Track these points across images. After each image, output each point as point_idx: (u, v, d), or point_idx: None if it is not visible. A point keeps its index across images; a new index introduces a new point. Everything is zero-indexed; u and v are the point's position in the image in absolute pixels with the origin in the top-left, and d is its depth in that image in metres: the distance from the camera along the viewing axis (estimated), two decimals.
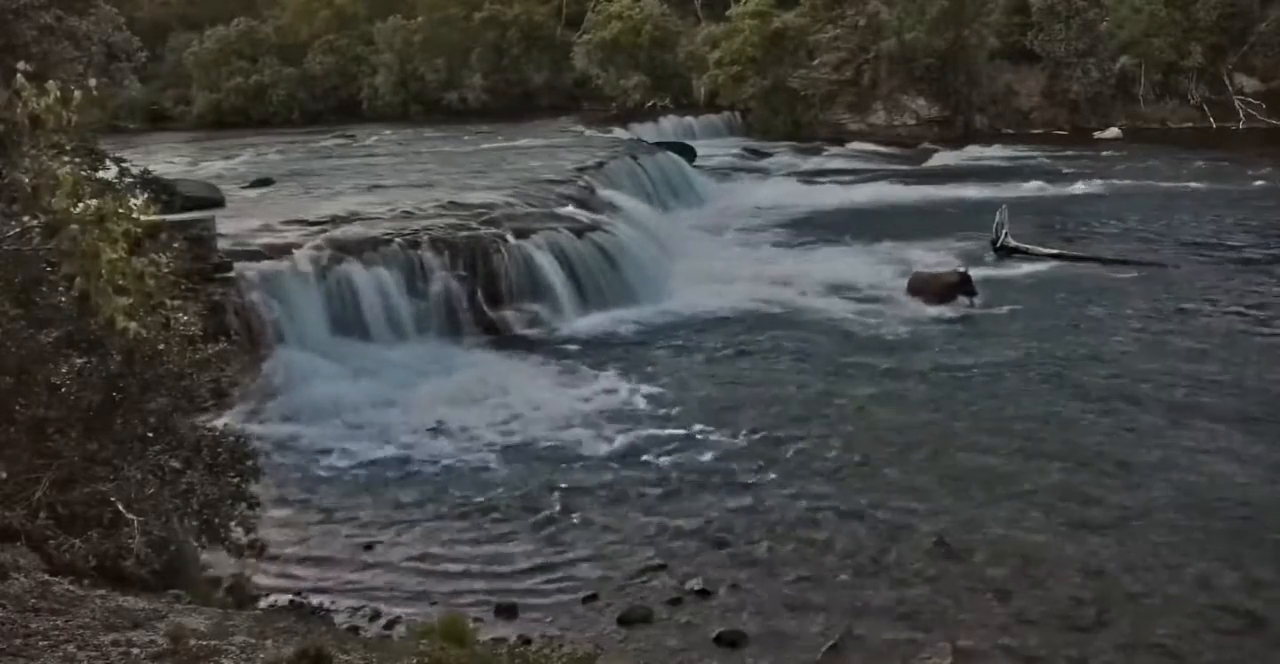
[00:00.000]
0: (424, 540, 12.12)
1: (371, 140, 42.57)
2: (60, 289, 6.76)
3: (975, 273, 21.49)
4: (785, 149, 44.48)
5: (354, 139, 43.34)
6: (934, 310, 20.46)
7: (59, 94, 4.72)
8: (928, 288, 21.11)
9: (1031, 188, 33.44)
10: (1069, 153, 41.32)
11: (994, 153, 42.42)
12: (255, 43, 59.02)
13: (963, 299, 20.72)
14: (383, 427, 15.32)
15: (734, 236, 28.31)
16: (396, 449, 14.63)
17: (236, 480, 8.17)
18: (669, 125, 47.37)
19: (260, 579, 10.50)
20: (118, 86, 19.34)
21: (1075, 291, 21.73)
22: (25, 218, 5.82)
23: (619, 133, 43.18)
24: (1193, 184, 33.79)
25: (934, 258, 24.20)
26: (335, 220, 21.03)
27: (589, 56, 54.36)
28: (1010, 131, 47.51)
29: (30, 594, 6.26)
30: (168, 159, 33.00)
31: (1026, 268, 23.62)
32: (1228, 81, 48.20)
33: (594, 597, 10.67)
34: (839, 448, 14.28)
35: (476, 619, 9.65)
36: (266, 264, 18.06)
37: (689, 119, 49.00)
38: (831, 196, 33.71)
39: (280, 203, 23.84)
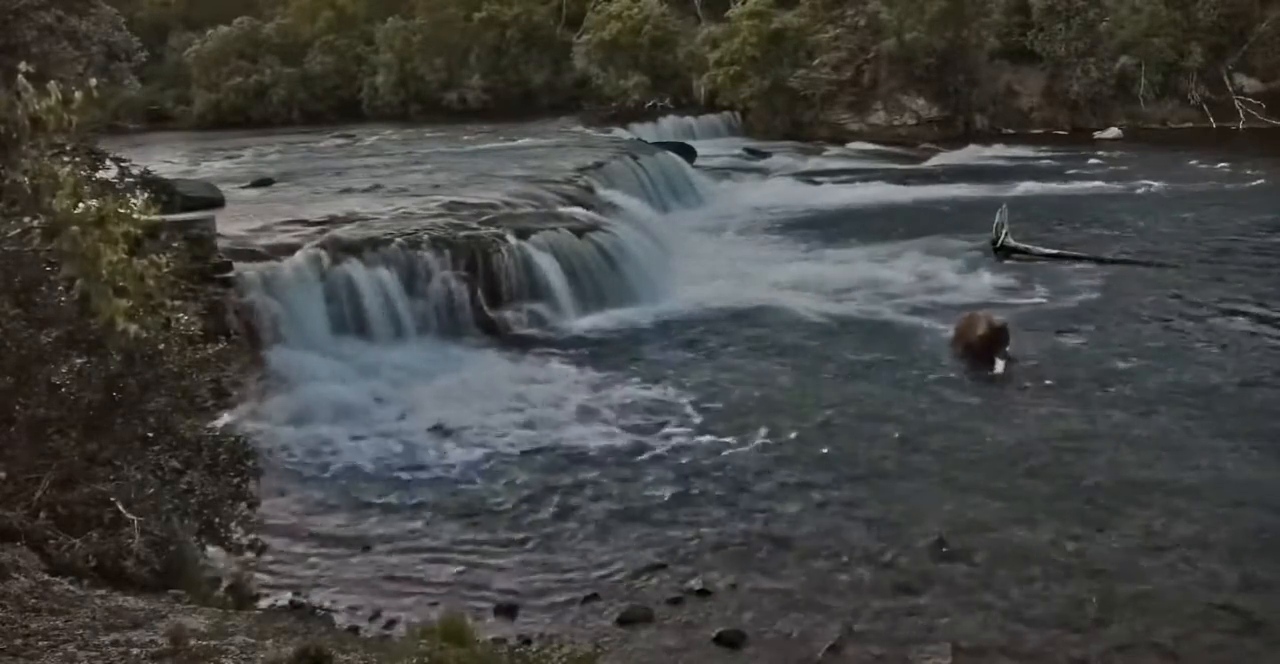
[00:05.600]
0: (424, 540, 12.13)
1: (371, 140, 42.60)
2: (60, 289, 6.78)
3: (974, 273, 21.40)
4: (785, 149, 44.39)
5: (354, 139, 43.39)
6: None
7: (60, 96, 4.72)
8: (965, 341, 17.94)
9: (1031, 188, 33.40)
10: (1069, 153, 41.30)
11: (994, 153, 42.39)
12: (256, 43, 59.08)
13: (1002, 353, 17.33)
14: (383, 426, 15.34)
15: (734, 237, 28.28)
16: (396, 449, 14.64)
17: (236, 480, 8.19)
18: (669, 125, 47.30)
19: (260, 579, 10.50)
20: (118, 86, 19.34)
21: (1073, 290, 21.71)
22: (26, 219, 5.82)
23: (619, 133, 43.15)
24: (1193, 184, 33.76)
25: (930, 263, 24.11)
26: (335, 220, 21.05)
27: (589, 56, 54.33)
28: (1010, 131, 47.46)
29: (30, 594, 6.25)
30: (168, 159, 33.01)
31: (1025, 267, 23.63)
32: (1228, 81, 48.14)
33: (594, 597, 10.67)
34: (839, 449, 14.28)
35: (476, 619, 9.65)
36: (266, 264, 18.08)
37: (689, 119, 48.92)
38: (831, 197, 33.71)
39: (280, 203, 23.84)
